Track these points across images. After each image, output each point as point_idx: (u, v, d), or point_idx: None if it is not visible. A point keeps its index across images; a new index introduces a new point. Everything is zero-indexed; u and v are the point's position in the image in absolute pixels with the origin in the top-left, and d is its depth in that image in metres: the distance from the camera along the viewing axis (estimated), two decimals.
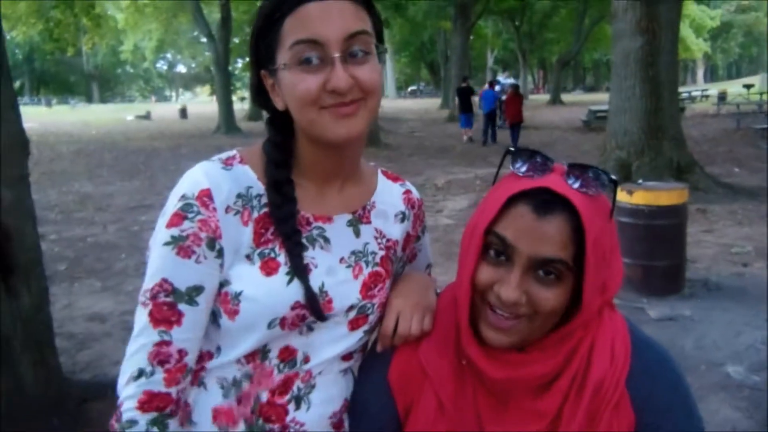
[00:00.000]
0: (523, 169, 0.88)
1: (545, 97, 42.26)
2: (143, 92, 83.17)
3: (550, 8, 37.05)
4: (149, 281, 0.91)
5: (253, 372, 0.98)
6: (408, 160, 13.61)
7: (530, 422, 0.91)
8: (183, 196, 0.92)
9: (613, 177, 0.87)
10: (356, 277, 1.02)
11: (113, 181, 11.81)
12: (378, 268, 1.05)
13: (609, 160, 8.76)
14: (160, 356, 0.90)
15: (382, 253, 1.07)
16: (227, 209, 0.94)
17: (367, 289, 1.03)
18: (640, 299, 4.62)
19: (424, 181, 10.52)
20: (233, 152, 1.01)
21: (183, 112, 34.55)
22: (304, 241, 0.98)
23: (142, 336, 0.90)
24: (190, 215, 0.91)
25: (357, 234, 1.04)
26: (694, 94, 32.95)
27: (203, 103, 60.65)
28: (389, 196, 1.12)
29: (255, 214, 0.96)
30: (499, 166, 0.94)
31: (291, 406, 0.99)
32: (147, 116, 35.03)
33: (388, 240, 1.08)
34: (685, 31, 36.38)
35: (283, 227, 0.96)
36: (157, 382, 0.90)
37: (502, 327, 0.87)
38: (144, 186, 10.99)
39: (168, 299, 0.90)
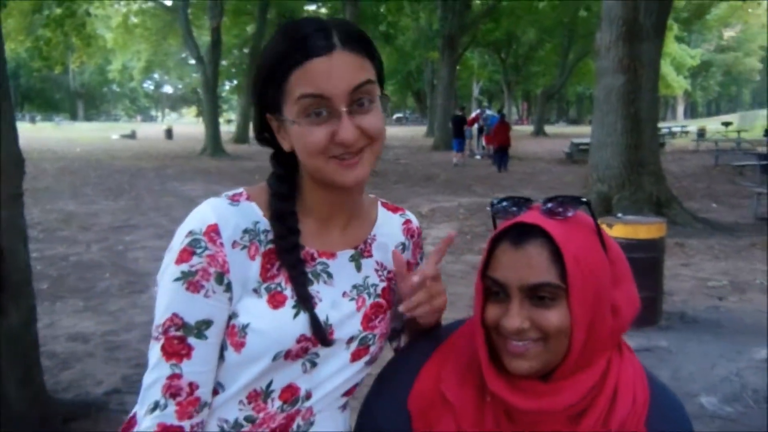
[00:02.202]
0: (503, 213, 0.97)
1: (529, 128, 42.84)
2: (129, 111, 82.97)
3: (536, 42, 37.79)
4: (161, 316, 0.93)
5: (255, 414, 0.99)
6: (393, 188, 13.72)
7: None
8: (191, 232, 0.94)
9: (584, 199, 0.94)
10: (359, 309, 1.05)
11: (97, 200, 11.76)
12: (379, 299, 1.08)
13: (591, 192, 8.92)
14: (171, 389, 0.92)
15: (383, 284, 1.09)
16: (234, 244, 0.95)
17: (368, 320, 1.05)
18: None
19: (408, 209, 10.60)
20: (240, 190, 1.03)
21: (169, 133, 34.57)
22: (309, 275, 1.01)
23: (157, 369, 0.92)
24: (198, 251, 0.93)
25: (358, 268, 1.07)
26: (674, 130, 33.72)
27: (189, 125, 60.61)
28: (389, 227, 1.15)
29: (262, 249, 0.98)
30: (493, 219, 1.01)
31: None
32: (132, 135, 34.98)
33: (389, 271, 1.11)
34: (666, 68, 37.19)
35: (287, 258, 0.98)
36: (170, 416, 0.92)
37: (520, 352, 0.91)
38: (129, 206, 10.96)
39: (178, 333, 0.92)
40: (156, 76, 69.30)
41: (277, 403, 1.00)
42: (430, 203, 11.48)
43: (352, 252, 1.08)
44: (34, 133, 35.49)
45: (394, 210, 1.20)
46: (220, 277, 0.94)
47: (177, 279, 0.93)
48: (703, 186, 13.51)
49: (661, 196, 8.87)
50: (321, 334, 0.98)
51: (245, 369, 0.97)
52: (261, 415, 0.99)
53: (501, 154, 17.93)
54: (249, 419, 0.99)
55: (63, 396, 3.56)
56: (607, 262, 0.95)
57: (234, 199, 1.00)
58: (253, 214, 1.00)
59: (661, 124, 19.17)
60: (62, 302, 5.51)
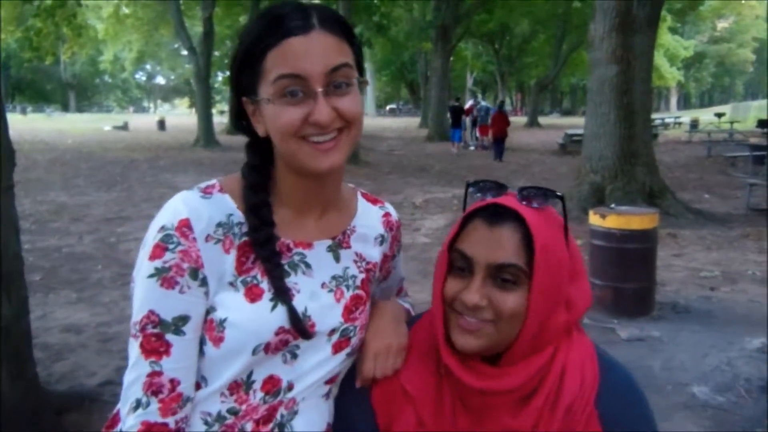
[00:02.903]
0: (479, 193, 1.00)
1: (523, 119, 42.84)
2: (121, 102, 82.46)
3: (529, 33, 37.78)
4: (137, 314, 0.93)
5: (237, 405, 0.99)
6: (387, 179, 13.72)
7: None
8: (162, 227, 0.93)
9: (559, 193, 0.97)
10: (338, 300, 1.04)
11: (89, 191, 11.70)
12: (359, 291, 1.08)
13: (584, 183, 8.95)
14: (153, 387, 0.91)
15: (362, 276, 1.09)
16: (207, 238, 0.94)
17: (349, 312, 1.05)
18: (610, 320, 4.73)
19: (402, 200, 10.62)
20: (213, 181, 1.02)
21: (161, 124, 34.37)
22: (286, 267, 1.00)
23: (136, 367, 0.92)
24: (171, 246, 0.92)
25: (337, 259, 1.06)
26: (667, 121, 33.73)
27: (182, 116, 60.33)
28: (369, 219, 1.14)
29: (237, 242, 0.97)
30: (465, 197, 1.04)
31: None
32: (124, 127, 34.75)
33: (368, 263, 1.11)
34: (660, 59, 37.26)
35: (262, 251, 0.97)
36: (153, 413, 0.91)
37: (470, 329, 0.94)
38: (121, 197, 10.91)
39: (155, 330, 0.92)
40: (148, 66, 69.00)
41: (259, 394, 0.99)
42: (424, 194, 11.48)
43: (329, 242, 1.07)
44: (26, 124, 35.25)
45: (374, 202, 1.18)
46: (194, 273, 0.93)
47: (151, 276, 0.92)
48: (696, 177, 13.56)
49: (654, 186, 8.90)
50: (299, 327, 0.98)
51: (226, 363, 0.97)
52: (244, 407, 0.99)
53: (497, 144, 18.53)
54: (232, 411, 0.99)
55: (56, 388, 3.55)
56: (568, 258, 0.97)
57: (206, 192, 0.99)
58: (227, 206, 0.98)
59: (654, 115, 19.20)
60: (55, 294, 5.49)
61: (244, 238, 0.97)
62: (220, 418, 0.98)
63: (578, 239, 7.29)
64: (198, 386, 0.98)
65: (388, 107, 65.44)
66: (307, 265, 1.02)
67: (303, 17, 0.91)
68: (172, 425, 0.92)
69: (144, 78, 79.51)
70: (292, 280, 1.00)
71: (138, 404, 0.91)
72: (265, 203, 0.99)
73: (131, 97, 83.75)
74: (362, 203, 1.15)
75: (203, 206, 0.96)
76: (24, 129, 29.55)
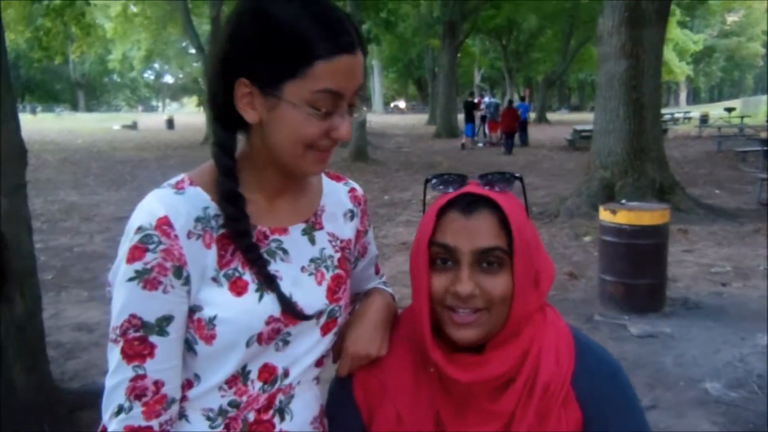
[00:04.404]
0: (442, 186, 1.02)
1: (531, 115, 42.68)
2: (130, 102, 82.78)
3: (537, 28, 37.55)
4: (117, 318, 0.91)
5: (237, 398, 0.99)
6: (395, 176, 13.70)
7: (488, 423, 0.98)
8: (140, 228, 0.90)
9: (517, 175, 1.01)
10: (320, 283, 1.05)
11: (100, 190, 11.78)
12: (338, 271, 1.08)
13: (593, 179, 8.91)
14: (136, 391, 0.90)
15: (338, 255, 1.10)
16: (189, 234, 0.92)
17: (332, 293, 1.06)
18: (621, 316, 4.72)
19: (411, 197, 10.60)
20: (181, 176, 1.00)
21: (170, 123, 34.52)
22: (264, 255, 0.99)
23: (118, 373, 0.90)
24: (152, 246, 0.89)
25: (312, 241, 1.07)
26: (676, 116, 33.53)
27: (190, 114, 60.50)
28: (336, 196, 1.14)
29: (215, 235, 0.96)
30: (424, 194, 1.06)
31: (276, 419, 1.02)
32: (133, 126, 34.93)
33: (341, 241, 1.11)
34: (669, 54, 37.02)
35: (242, 241, 0.96)
36: (137, 417, 0.90)
37: (467, 322, 0.95)
38: (131, 196, 10.95)
39: (138, 334, 0.90)
40: (156, 65, 69.03)
41: (258, 384, 1.00)
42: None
43: (303, 226, 1.07)
44: (35, 124, 35.46)
45: (338, 179, 1.18)
46: (179, 271, 0.91)
47: (131, 279, 0.90)
48: (706, 172, 13.47)
49: (664, 182, 8.85)
50: (293, 311, 0.98)
51: (221, 359, 0.96)
52: (244, 398, 0.99)
53: (507, 139, 19.45)
54: (233, 404, 0.99)
55: (69, 385, 3.58)
56: (537, 235, 1.01)
57: (178, 187, 0.97)
58: (201, 200, 0.96)
59: (663, 110, 19.05)
60: (67, 292, 5.54)
61: (222, 231, 0.96)
62: (222, 412, 0.99)
63: (588, 235, 7.29)
64: (190, 384, 0.98)
65: (392, 104, 65.10)
66: (285, 251, 1.02)
67: (348, 31, 0.91)
68: (156, 428, 0.91)
69: (152, 77, 79.69)
70: (273, 268, 0.99)
71: (120, 409, 0.90)
72: (237, 192, 0.96)
73: (140, 96, 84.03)
74: (327, 182, 1.15)
75: (179, 202, 0.94)
76: (34, 129, 29.72)
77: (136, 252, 0.90)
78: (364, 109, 1.03)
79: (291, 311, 0.98)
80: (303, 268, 1.03)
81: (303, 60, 0.89)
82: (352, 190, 1.18)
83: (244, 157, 1.00)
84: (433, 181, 1.03)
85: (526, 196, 1.04)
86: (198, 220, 0.94)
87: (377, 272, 1.28)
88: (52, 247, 7.21)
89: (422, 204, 1.06)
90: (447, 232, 0.96)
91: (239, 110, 0.94)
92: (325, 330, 1.06)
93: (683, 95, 73.95)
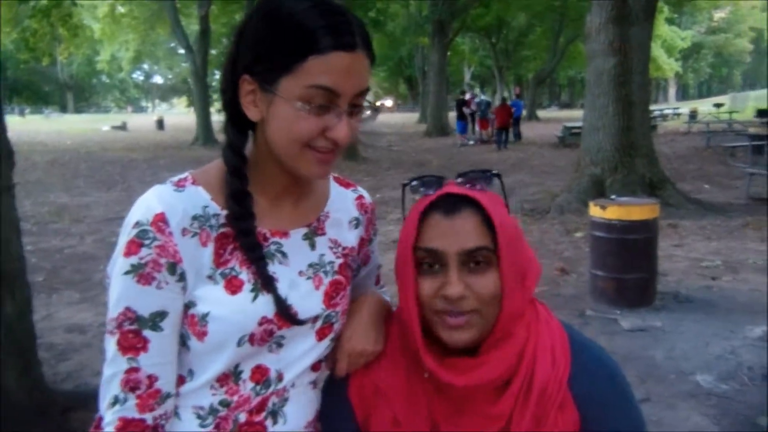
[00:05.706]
0: (422, 188, 1.00)
1: (523, 112, 42.80)
2: (119, 102, 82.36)
3: (526, 26, 37.68)
4: (113, 310, 0.91)
5: (228, 397, 0.99)
6: (386, 174, 13.69)
7: (485, 426, 0.97)
8: (137, 223, 0.91)
9: (495, 171, 1.01)
10: (317, 287, 1.04)
11: (89, 192, 11.71)
12: (338, 277, 1.07)
13: (583, 176, 8.96)
14: (130, 383, 0.91)
15: (339, 261, 1.08)
16: (184, 232, 0.93)
17: (329, 298, 1.05)
18: (613, 311, 4.74)
19: (401, 195, 10.60)
20: (185, 174, 1.00)
21: (160, 123, 34.40)
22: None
23: (114, 364, 0.91)
24: (147, 242, 0.90)
25: (312, 247, 1.06)
26: (665, 112, 33.72)
27: (180, 115, 60.29)
28: (342, 203, 1.13)
29: (214, 234, 0.96)
30: (402, 198, 1.05)
31: (269, 422, 1.01)
32: (123, 127, 34.77)
33: (344, 248, 1.10)
34: (657, 51, 37.17)
35: (246, 240, 0.96)
36: (130, 409, 0.91)
37: (460, 324, 0.94)
38: (121, 197, 10.90)
39: (132, 327, 0.91)
40: (145, 66, 68.72)
41: (250, 384, 1.00)
42: None
43: (305, 230, 1.06)
44: (24, 126, 35.22)
45: (347, 185, 1.17)
46: (173, 267, 0.92)
47: (127, 272, 0.91)
48: (696, 167, 13.56)
49: (653, 178, 8.91)
50: (286, 313, 0.98)
51: (211, 356, 0.97)
52: (235, 398, 0.99)
53: (500, 134, 20.10)
54: (224, 403, 0.99)
55: (62, 387, 3.57)
56: (520, 231, 1.01)
57: (179, 185, 0.97)
58: (201, 198, 0.97)
59: (652, 107, 19.22)
60: (58, 294, 5.51)
61: (222, 230, 0.96)
62: (212, 410, 0.99)
63: (579, 231, 7.32)
64: (183, 380, 0.98)
65: (378, 102, 64.94)
66: (284, 255, 1.02)
67: (351, 32, 0.90)
68: (149, 421, 0.92)
69: (141, 77, 79.26)
70: (271, 270, 0.99)
71: (116, 400, 0.91)
72: (245, 190, 0.97)
73: (129, 97, 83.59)
74: (335, 188, 1.14)
75: (177, 200, 0.94)
76: (22, 131, 29.51)
77: (132, 246, 0.91)
78: (369, 114, 1.00)
79: (284, 314, 0.97)
80: (300, 272, 1.03)
81: (297, 55, 0.89)
82: (360, 197, 1.17)
83: (250, 157, 1.00)
84: (413, 183, 1.02)
85: (505, 192, 1.03)
86: (195, 218, 0.94)
87: (377, 282, 1.26)
88: (42, 248, 7.17)
89: (401, 208, 1.04)
90: (431, 235, 0.95)
91: (243, 107, 0.94)
92: (320, 335, 1.05)
93: (672, 91, 74.44)
